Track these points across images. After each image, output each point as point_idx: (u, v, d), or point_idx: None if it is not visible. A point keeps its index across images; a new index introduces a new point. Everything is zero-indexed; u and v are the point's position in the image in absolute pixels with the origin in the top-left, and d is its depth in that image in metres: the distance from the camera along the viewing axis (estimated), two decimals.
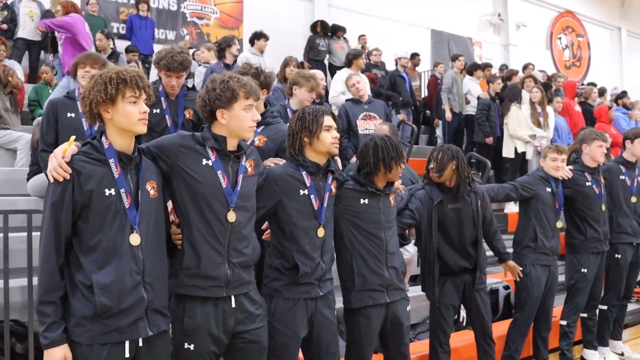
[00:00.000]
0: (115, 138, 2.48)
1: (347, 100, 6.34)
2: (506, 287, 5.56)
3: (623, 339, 5.80)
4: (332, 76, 9.58)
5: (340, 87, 7.44)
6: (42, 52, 9.45)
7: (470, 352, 4.51)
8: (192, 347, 2.72)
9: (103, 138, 2.49)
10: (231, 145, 2.84)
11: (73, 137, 2.50)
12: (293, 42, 12.03)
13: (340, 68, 9.08)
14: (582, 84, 14.48)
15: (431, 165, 4.07)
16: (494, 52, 17.45)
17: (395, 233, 3.62)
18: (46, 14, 9.32)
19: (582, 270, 5.02)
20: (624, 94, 10.33)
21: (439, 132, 10.37)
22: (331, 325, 3.26)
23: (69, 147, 2.40)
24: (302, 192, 3.15)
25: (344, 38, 11.43)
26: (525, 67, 11.90)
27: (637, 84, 19.10)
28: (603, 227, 5.06)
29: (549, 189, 4.79)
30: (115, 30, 10.90)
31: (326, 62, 10.96)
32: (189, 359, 2.73)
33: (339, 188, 3.41)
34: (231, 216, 2.76)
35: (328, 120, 3.21)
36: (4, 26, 9.05)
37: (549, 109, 8.86)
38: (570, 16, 20.03)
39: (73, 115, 4.11)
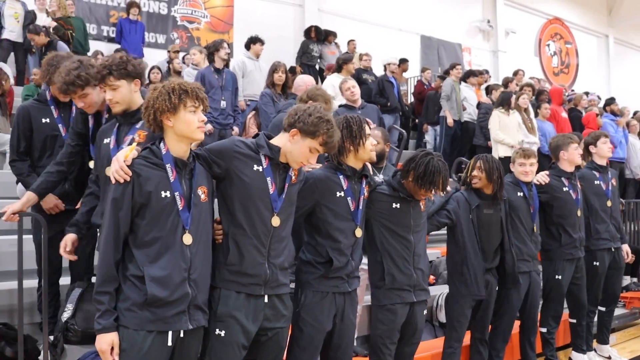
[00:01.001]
0: (173, 144, 2.70)
1: (340, 106, 6.35)
2: None
3: (610, 343, 5.84)
4: (322, 81, 9.63)
5: (330, 92, 7.46)
6: (28, 54, 9.39)
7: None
8: (222, 333, 2.83)
9: (161, 144, 2.70)
10: (283, 158, 3.01)
11: (135, 143, 2.75)
12: (283, 47, 12.08)
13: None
14: (572, 91, 14.60)
15: (475, 173, 4.33)
16: (483, 58, 17.57)
17: (424, 237, 3.80)
18: (29, 14, 9.28)
19: (557, 277, 5.02)
20: (612, 100, 10.44)
21: (428, 137, 10.44)
22: (352, 327, 3.43)
23: (130, 152, 2.62)
24: (339, 194, 3.34)
25: (335, 43, 11.49)
26: (515, 74, 12.01)
27: (624, 90, 19.27)
28: (579, 233, 5.06)
29: (520, 194, 4.76)
30: (105, 34, 10.92)
31: (317, 67, 11.01)
32: (219, 345, 2.83)
33: (372, 192, 3.60)
34: (275, 221, 2.93)
35: (367, 130, 3.42)
36: None
37: (533, 116, 8.99)
38: (559, 23, 20.22)
39: (48, 120, 3.96)
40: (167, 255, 2.60)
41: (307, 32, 11.37)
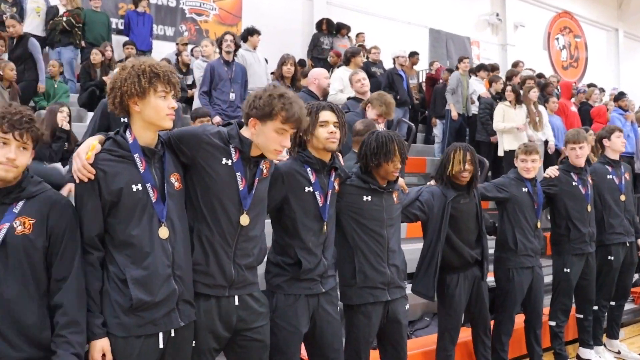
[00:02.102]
0: (140, 132, 2.49)
1: (349, 99, 6.34)
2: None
3: (619, 338, 5.82)
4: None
5: (339, 85, 7.44)
6: (48, 47, 9.42)
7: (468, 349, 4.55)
8: (193, 343, 2.71)
9: (127, 133, 2.50)
10: (255, 151, 2.79)
11: (97, 138, 2.50)
12: (291, 39, 12.06)
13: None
14: (584, 85, 14.51)
15: (468, 167, 4.06)
16: (491, 52, 17.49)
17: (398, 231, 3.62)
18: (51, 9, 9.34)
19: (565, 270, 5.02)
20: (622, 95, 10.37)
21: (436, 131, 10.39)
22: (334, 322, 3.25)
23: (93, 150, 2.41)
24: (307, 189, 3.13)
25: (348, 36, 11.44)
26: (515, 65, 11.92)
27: (633, 85, 19.15)
28: (588, 228, 5.04)
29: (524, 189, 4.73)
30: (113, 26, 10.88)
31: (329, 59, 10.97)
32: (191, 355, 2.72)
33: (343, 184, 3.41)
34: (244, 219, 2.74)
35: (324, 116, 3.18)
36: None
37: (542, 108, 8.91)
38: (568, 17, 20.08)
39: None
40: (148, 254, 2.43)
41: (319, 24, 11.34)
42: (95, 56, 8.82)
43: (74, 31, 9.29)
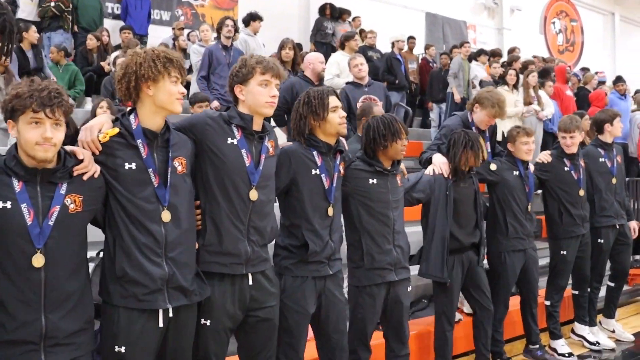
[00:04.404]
0: (148, 116, 2.55)
1: (347, 84, 6.36)
2: None
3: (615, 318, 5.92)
4: None
5: (335, 69, 7.46)
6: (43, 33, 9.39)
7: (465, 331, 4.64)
8: (208, 322, 2.78)
9: (132, 117, 2.54)
10: (257, 125, 2.89)
11: (111, 121, 2.56)
12: (288, 24, 12.02)
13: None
14: (581, 69, 14.53)
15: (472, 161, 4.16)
16: (487, 35, 17.50)
17: (402, 213, 3.71)
18: None
19: (562, 252, 5.11)
20: (619, 79, 10.41)
21: (432, 115, 10.45)
22: (339, 304, 3.33)
23: (111, 132, 2.48)
24: (313, 171, 3.21)
25: (349, 21, 11.45)
26: (511, 51, 11.96)
27: (629, 68, 19.17)
28: (580, 211, 5.12)
29: (516, 172, 4.78)
30: (109, 10, 10.87)
31: (332, 44, 11.00)
32: (206, 334, 2.80)
33: (348, 169, 3.49)
34: (253, 194, 2.81)
35: (334, 101, 3.25)
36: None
37: (542, 92, 8.95)
38: (565, 1, 20.06)
39: None
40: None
41: (322, 9, 11.36)
42: (90, 41, 8.81)
43: (63, 15, 9.19)
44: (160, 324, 2.51)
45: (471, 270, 4.33)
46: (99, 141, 2.47)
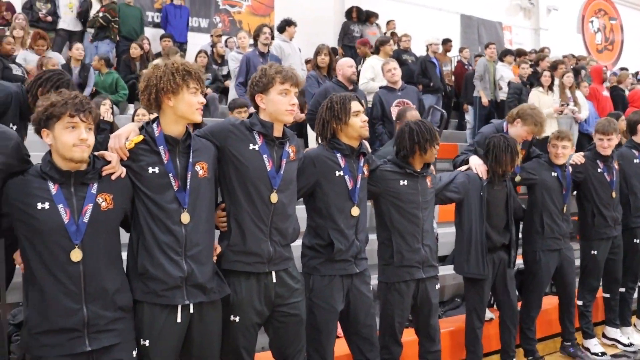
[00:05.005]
0: (170, 125, 2.74)
1: (380, 88, 6.49)
2: None
3: None
4: (362, 63, 9.73)
5: (370, 73, 7.61)
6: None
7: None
8: (237, 319, 2.96)
9: (155, 125, 2.74)
10: (277, 131, 3.05)
11: (137, 130, 2.75)
12: (323, 29, 12.16)
13: (373, 54, 9.22)
14: (616, 70, 14.37)
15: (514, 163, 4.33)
16: (524, 36, 17.35)
17: (432, 213, 3.87)
18: (83, 4, 9.67)
19: (592, 252, 5.17)
20: None
21: (468, 117, 10.47)
22: (367, 300, 3.49)
23: (136, 141, 2.68)
24: (337, 173, 3.38)
25: (377, 24, 11.54)
26: (541, 51, 11.86)
27: None
28: (612, 213, 5.16)
29: (554, 174, 4.87)
30: (150, 19, 11.19)
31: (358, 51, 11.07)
32: (235, 330, 2.97)
33: (378, 170, 3.66)
34: (274, 198, 2.97)
35: (355, 106, 3.42)
36: (49, 18, 9.39)
37: (579, 93, 8.93)
38: None
39: None
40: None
41: (348, 12, 11.46)
42: (135, 50, 9.13)
43: (110, 25, 9.59)
44: (179, 320, 2.68)
45: (501, 269, 4.44)
46: (126, 148, 2.67)
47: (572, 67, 10.05)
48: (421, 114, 6.44)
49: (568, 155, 4.90)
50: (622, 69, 13.61)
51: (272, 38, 7.45)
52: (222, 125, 3.02)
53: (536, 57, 10.88)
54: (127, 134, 2.71)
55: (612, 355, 5.28)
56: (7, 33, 7.91)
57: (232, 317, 2.96)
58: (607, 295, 5.47)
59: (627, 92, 10.51)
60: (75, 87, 3.33)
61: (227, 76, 9.37)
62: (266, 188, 2.97)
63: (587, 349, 5.22)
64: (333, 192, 3.37)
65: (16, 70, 7.37)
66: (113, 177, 2.60)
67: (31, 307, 2.47)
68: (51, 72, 3.36)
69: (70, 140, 2.43)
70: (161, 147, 2.70)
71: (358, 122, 3.40)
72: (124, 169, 2.65)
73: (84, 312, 2.45)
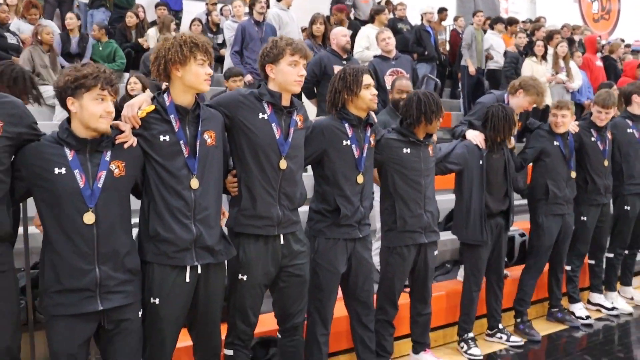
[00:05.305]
0: (179, 95, 2.86)
1: (375, 57, 6.54)
2: (522, 235, 5.84)
3: (633, 285, 6.10)
4: (356, 31, 9.73)
5: (365, 42, 7.66)
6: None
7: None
8: (245, 278, 3.13)
9: (165, 95, 2.86)
10: (285, 100, 3.19)
11: (149, 100, 2.88)
12: None
13: (364, 22, 9.24)
14: (612, 39, 14.37)
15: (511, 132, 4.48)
16: (520, 5, 17.31)
17: (433, 180, 4.02)
18: None
19: (582, 218, 5.32)
20: None
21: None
22: (367, 265, 3.68)
23: (149, 110, 2.82)
24: (344, 142, 3.53)
25: None
26: (536, 20, 11.86)
27: None
28: (604, 181, 5.33)
29: (556, 143, 5.01)
30: None
31: (351, 16, 11.05)
32: (243, 288, 3.15)
33: (383, 139, 3.81)
34: (283, 164, 3.12)
35: (367, 79, 3.56)
36: None
37: (572, 63, 8.99)
38: None
39: None
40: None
41: None
42: (131, 19, 9.10)
43: None
44: (187, 279, 2.82)
45: (497, 235, 4.59)
46: (138, 116, 2.80)
47: (566, 37, 10.08)
48: (415, 83, 6.53)
49: (568, 123, 5.02)
50: (620, 39, 13.62)
51: (268, 7, 7.46)
52: (232, 96, 3.16)
53: (532, 26, 10.87)
54: (139, 104, 2.83)
55: (596, 319, 5.47)
56: (1, 1, 7.89)
57: (240, 276, 3.14)
58: (592, 262, 5.65)
59: (619, 62, 10.56)
60: (28, 80, 3.34)
61: (223, 44, 9.37)
62: (275, 155, 3.11)
63: (572, 313, 5.41)
64: (340, 160, 3.51)
65: (11, 39, 7.41)
66: (125, 145, 2.72)
67: (48, 268, 2.60)
68: (3, 65, 3.33)
69: (98, 112, 2.57)
70: (172, 116, 2.82)
71: (368, 95, 3.54)
72: (135, 139, 2.76)
73: (96, 272, 2.59)
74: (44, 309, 2.65)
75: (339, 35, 6.24)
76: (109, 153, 2.68)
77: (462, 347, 4.58)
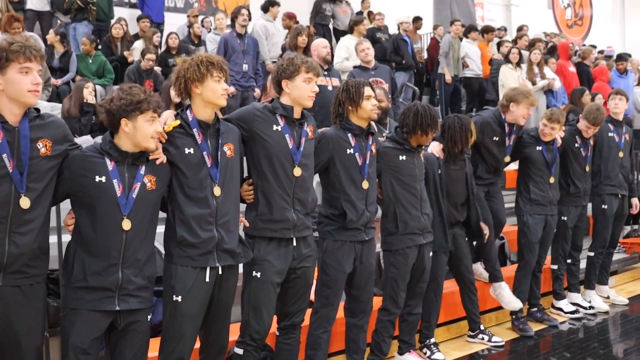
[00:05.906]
0: (200, 110, 3.12)
1: (354, 67, 6.71)
2: (501, 238, 6.04)
3: (609, 284, 6.36)
4: (336, 40, 9.90)
5: (344, 53, 7.82)
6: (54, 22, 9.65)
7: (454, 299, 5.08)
8: (258, 274, 3.35)
9: (188, 111, 3.12)
10: (297, 113, 3.46)
11: (173, 116, 3.13)
12: (298, 7, 12.26)
13: (344, 32, 9.42)
14: (584, 45, 14.70)
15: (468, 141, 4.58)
16: (495, 12, 17.61)
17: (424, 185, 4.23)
18: None
19: (562, 218, 5.56)
20: (621, 57, 10.70)
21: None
22: (371, 267, 3.93)
23: (174, 125, 3.06)
24: (348, 151, 3.77)
25: (347, 2, 11.66)
26: (519, 29, 12.17)
27: (638, 43, 19.24)
28: (584, 185, 5.60)
29: (538, 148, 5.24)
30: (126, 0, 11.19)
31: (331, 26, 11.25)
32: (256, 285, 3.36)
33: (381, 147, 4.04)
34: (297, 171, 3.40)
35: (368, 91, 3.81)
36: None
37: (547, 69, 9.27)
38: None
39: None
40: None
41: None
42: (118, 30, 9.16)
43: (88, 7, 9.48)
44: (207, 279, 3.05)
45: (455, 244, 4.66)
46: (164, 131, 3.02)
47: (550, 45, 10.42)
48: (393, 92, 6.72)
49: (554, 135, 5.25)
50: (591, 46, 13.96)
51: (250, 19, 7.61)
52: (249, 110, 3.45)
53: (516, 35, 11.17)
54: (164, 120, 3.07)
55: (574, 319, 5.67)
56: None
57: (254, 273, 3.36)
58: (569, 261, 5.84)
59: (591, 67, 10.87)
60: None
61: None
62: (289, 163, 3.38)
63: (560, 309, 5.71)
64: (345, 168, 3.75)
65: None
66: (157, 162, 2.98)
67: (77, 265, 2.83)
68: None
69: (150, 132, 2.85)
70: (195, 130, 3.08)
71: (369, 106, 3.78)
72: (165, 157, 3.01)
73: (119, 275, 2.82)
74: (66, 301, 2.86)
75: (320, 46, 6.39)
76: (144, 167, 2.94)
77: (425, 353, 4.60)
